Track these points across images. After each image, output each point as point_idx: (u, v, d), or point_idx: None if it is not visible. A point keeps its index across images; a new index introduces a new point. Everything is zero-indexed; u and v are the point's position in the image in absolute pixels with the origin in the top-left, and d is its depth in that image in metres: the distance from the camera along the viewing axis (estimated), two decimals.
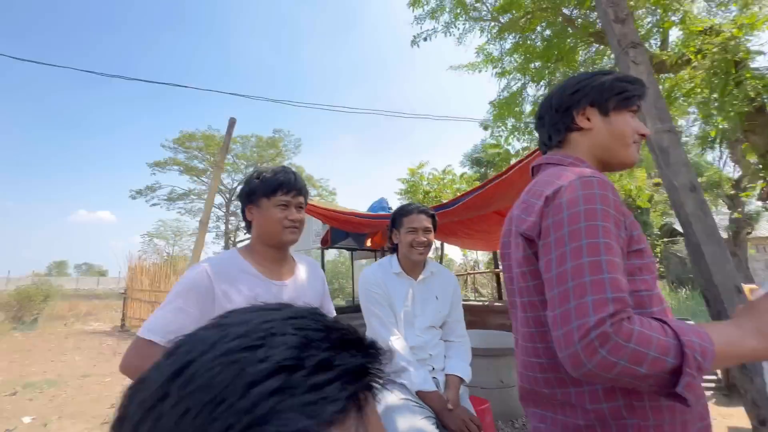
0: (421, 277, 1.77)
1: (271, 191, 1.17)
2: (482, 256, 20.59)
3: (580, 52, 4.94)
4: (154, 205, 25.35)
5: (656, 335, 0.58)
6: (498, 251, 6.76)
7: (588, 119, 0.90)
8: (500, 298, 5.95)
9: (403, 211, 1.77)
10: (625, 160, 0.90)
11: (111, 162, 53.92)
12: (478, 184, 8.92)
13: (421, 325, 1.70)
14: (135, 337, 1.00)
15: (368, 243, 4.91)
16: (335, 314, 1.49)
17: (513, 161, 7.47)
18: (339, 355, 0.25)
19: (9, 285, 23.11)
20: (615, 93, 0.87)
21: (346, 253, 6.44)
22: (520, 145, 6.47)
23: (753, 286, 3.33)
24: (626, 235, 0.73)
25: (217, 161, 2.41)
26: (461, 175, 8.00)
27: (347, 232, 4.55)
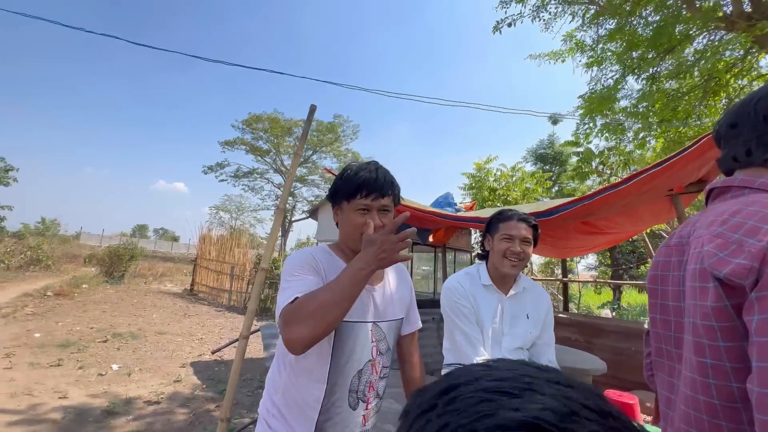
0: (512, 292, 1.60)
1: (351, 194, 1.05)
2: (536, 259, 19.45)
3: (696, 39, 4.22)
4: (222, 180, 27.40)
5: None
6: (567, 258, 6.22)
7: None
8: (565, 309, 5.50)
9: (501, 216, 1.59)
10: None
11: (188, 138, 59.22)
12: (549, 184, 8.32)
13: (508, 345, 1.54)
14: (285, 309, 0.90)
15: (430, 239, 4.77)
16: (421, 325, 1.39)
17: (595, 162, 6.78)
18: None
19: (104, 242, 26.61)
20: None
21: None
22: (606, 144, 5.81)
23: None
24: None
25: (296, 148, 2.39)
26: (532, 174, 7.44)
27: (410, 225, 4.42)
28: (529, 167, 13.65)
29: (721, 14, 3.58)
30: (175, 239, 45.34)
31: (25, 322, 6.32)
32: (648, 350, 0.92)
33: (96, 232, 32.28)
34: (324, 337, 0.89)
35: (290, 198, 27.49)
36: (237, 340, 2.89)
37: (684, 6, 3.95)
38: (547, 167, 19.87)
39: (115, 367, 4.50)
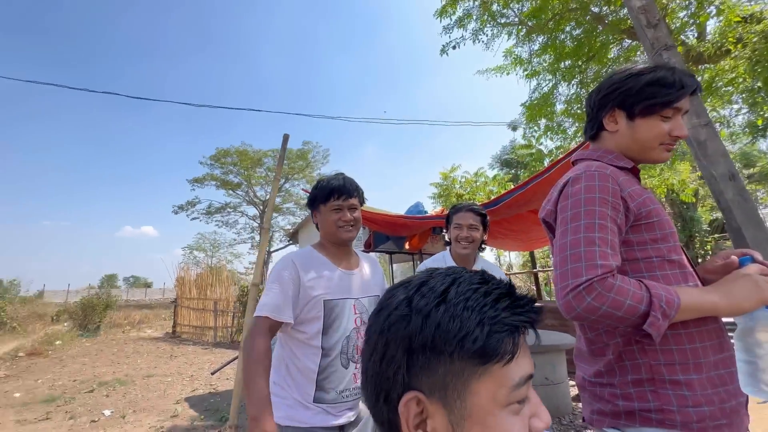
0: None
1: (326, 198, 1.36)
2: (516, 259, 20.19)
3: (612, 48, 4.92)
4: (194, 219, 26.80)
5: (633, 289, 0.75)
6: (533, 251, 6.71)
7: (616, 122, 0.96)
8: (539, 297, 5.92)
9: (454, 209, 1.96)
10: (651, 161, 0.98)
11: (153, 180, 57.62)
12: (510, 185, 8.94)
13: None
14: (254, 318, 1.22)
15: (407, 246, 5.09)
16: None
17: (547, 161, 7.44)
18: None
19: (70, 297, 25.15)
20: (642, 98, 0.90)
21: (386, 257, 6.64)
22: (553, 144, 6.45)
23: None
24: (632, 215, 0.87)
25: (275, 173, 2.70)
26: (494, 177, 8.02)
27: (388, 235, 4.76)
28: (494, 172, 14.39)
29: (625, 26, 4.26)
30: (148, 285, 43.33)
31: (0, 384, 6.04)
32: None
33: (61, 288, 30.45)
34: None
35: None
36: (236, 358, 3.05)
37: (596, 22, 4.64)
38: (513, 171, 20.97)
39: (107, 412, 4.44)
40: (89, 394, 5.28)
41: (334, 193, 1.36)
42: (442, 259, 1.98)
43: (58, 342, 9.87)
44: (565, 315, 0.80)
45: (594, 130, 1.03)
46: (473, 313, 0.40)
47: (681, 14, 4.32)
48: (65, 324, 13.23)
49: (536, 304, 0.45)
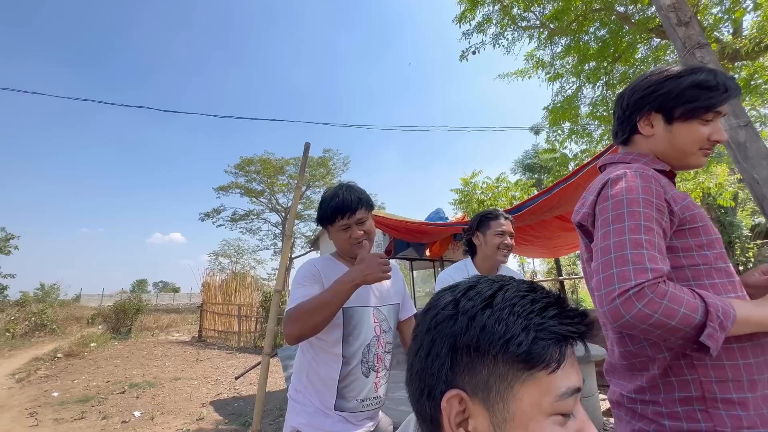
0: None
1: (330, 220, 1.30)
2: (540, 266, 19.62)
3: (640, 48, 4.76)
4: (219, 226, 27.67)
5: (687, 297, 0.69)
6: (557, 258, 6.51)
7: (651, 126, 0.91)
8: None
9: (490, 215, 1.89)
10: (687, 167, 0.93)
11: (181, 188, 60.01)
12: (534, 190, 8.73)
13: None
14: (285, 312, 1.21)
15: (427, 253, 5.05)
16: (416, 311, 1.65)
17: (572, 165, 7.22)
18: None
19: (104, 301, 26.37)
20: (683, 102, 0.85)
21: (406, 263, 6.61)
22: (578, 147, 6.27)
23: None
24: (676, 219, 0.82)
25: (297, 181, 2.76)
26: (516, 183, 7.85)
27: (408, 242, 4.74)
28: (516, 177, 14.14)
29: (653, 25, 4.11)
30: (176, 290, 44.87)
31: (40, 384, 6.37)
32: None
33: (96, 293, 31.96)
34: (312, 334, 1.18)
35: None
36: (259, 363, 3.09)
37: (622, 21, 4.50)
38: (536, 176, 20.52)
39: (137, 413, 4.60)
40: (121, 395, 5.49)
41: (337, 214, 1.29)
42: (464, 267, 1.93)
43: (93, 344, 10.33)
44: (611, 323, 0.74)
45: (626, 134, 0.97)
46: (519, 318, 0.40)
47: (714, 10, 4.13)
48: (99, 327, 13.87)
49: (588, 318, 0.44)
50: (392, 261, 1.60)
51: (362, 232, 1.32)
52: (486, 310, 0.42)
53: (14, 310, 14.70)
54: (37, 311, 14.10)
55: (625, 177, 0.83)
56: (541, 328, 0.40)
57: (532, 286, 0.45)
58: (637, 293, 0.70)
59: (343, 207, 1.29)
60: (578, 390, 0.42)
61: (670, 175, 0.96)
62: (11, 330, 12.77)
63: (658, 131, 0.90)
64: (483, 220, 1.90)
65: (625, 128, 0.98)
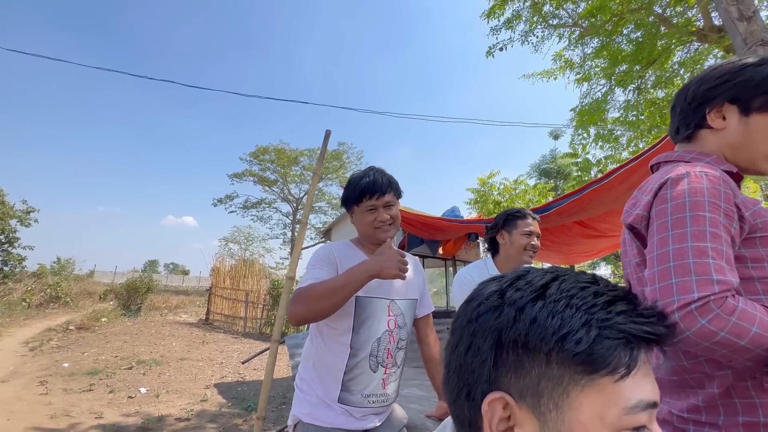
0: None
1: (358, 199, 1.26)
2: None
3: (677, 52, 4.55)
4: (231, 212, 28.00)
5: (760, 314, 0.62)
6: (575, 265, 6.35)
7: (723, 118, 0.82)
8: None
9: (518, 214, 1.80)
10: (758, 170, 0.84)
11: (196, 172, 60.78)
12: (551, 195, 8.54)
13: None
14: (295, 290, 1.16)
15: (440, 251, 4.97)
16: (433, 308, 1.58)
17: (594, 171, 7.02)
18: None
19: (116, 278, 26.99)
20: (764, 91, 0.77)
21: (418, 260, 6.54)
22: (602, 153, 6.07)
23: None
24: (746, 226, 0.73)
25: (314, 169, 2.69)
26: (534, 186, 7.68)
27: (422, 239, 4.67)
28: (532, 182, 13.92)
29: (694, 29, 3.92)
30: (186, 273, 45.66)
31: (52, 354, 6.53)
32: None
33: (109, 270, 32.72)
34: (317, 318, 1.14)
35: (298, 225, 27.82)
36: (267, 349, 3.08)
37: (660, 23, 4.31)
38: (551, 181, 20.14)
39: (143, 390, 4.66)
40: (128, 371, 5.58)
41: (366, 193, 1.25)
42: (483, 266, 1.85)
43: (104, 319, 10.56)
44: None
45: (691, 128, 0.87)
46: (578, 312, 0.34)
47: None
48: (111, 303, 14.18)
49: (667, 319, 0.36)
50: (408, 254, 1.52)
51: (388, 216, 1.27)
52: (537, 301, 0.36)
53: (31, 281, 15.14)
54: (52, 283, 14.50)
55: (688, 177, 0.74)
56: (606, 324, 0.33)
57: (595, 278, 0.38)
58: (700, 307, 0.62)
59: (373, 187, 1.24)
60: (655, 405, 0.35)
61: (737, 178, 0.86)
62: (27, 300, 13.16)
63: (732, 124, 0.80)
64: (510, 218, 1.80)
65: (689, 122, 0.87)
